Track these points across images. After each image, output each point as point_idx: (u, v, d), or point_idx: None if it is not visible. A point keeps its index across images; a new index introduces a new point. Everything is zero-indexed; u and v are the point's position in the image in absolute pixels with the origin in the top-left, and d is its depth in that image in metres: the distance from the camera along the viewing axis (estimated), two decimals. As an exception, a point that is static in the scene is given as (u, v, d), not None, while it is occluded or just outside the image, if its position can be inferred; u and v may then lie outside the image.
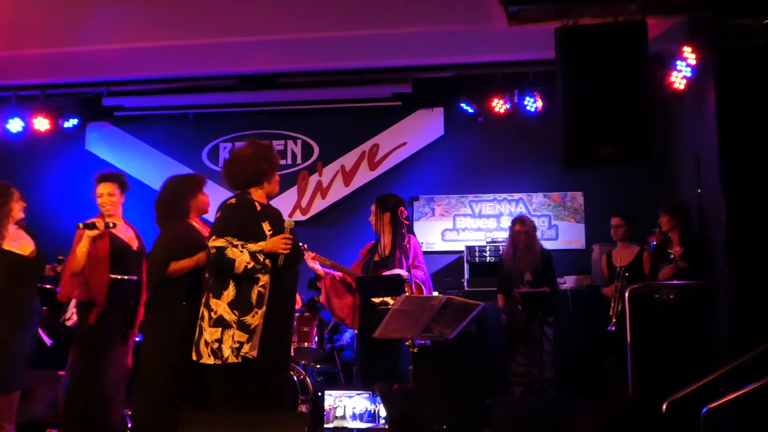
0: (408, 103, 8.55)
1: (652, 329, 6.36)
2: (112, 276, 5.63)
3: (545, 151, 7.95)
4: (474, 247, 8.04)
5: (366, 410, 5.74)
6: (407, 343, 5.63)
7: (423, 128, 8.71)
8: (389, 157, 8.70)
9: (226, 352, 4.74)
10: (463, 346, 6.90)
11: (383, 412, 5.56)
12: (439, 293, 6.51)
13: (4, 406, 5.60)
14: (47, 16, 6.74)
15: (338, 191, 8.76)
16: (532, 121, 8.13)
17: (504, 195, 8.54)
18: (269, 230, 4.90)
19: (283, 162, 8.58)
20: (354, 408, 5.74)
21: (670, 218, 6.54)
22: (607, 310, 6.79)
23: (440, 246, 8.53)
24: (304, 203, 8.73)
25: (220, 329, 4.78)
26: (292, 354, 6.43)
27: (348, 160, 8.77)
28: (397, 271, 6.32)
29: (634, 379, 5.73)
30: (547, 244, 7.73)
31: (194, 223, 5.54)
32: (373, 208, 6.61)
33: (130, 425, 6.07)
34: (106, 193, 5.84)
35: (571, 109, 5.65)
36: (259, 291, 4.80)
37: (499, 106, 8.09)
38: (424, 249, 7.30)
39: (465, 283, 7.94)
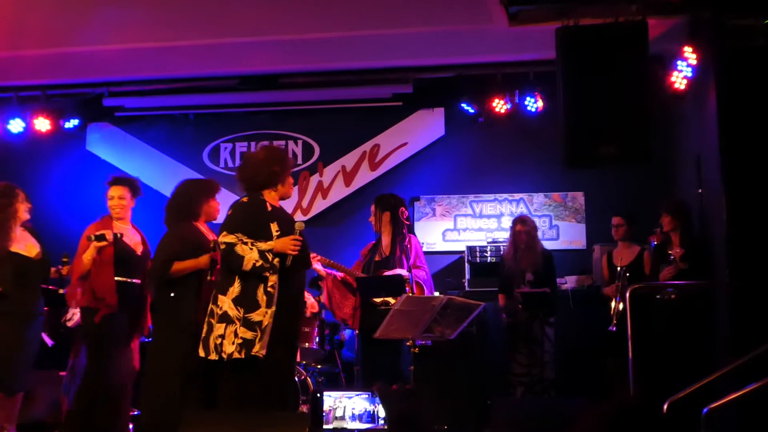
0: (409, 104, 8.55)
1: (653, 329, 6.36)
2: (117, 279, 5.65)
3: (546, 151, 7.94)
4: (475, 247, 8.04)
5: (365, 411, 5.73)
6: (408, 344, 5.64)
7: (424, 128, 8.71)
8: (390, 157, 8.70)
9: (228, 348, 4.78)
10: (464, 347, 6.89)
11: (382, 413, 5.56)
12: (440, 293, 6.51)
13: (7, 407, 5.62)
14: (48, 16, 6.74)
15: (339, 191, 8.76)
16: (532, 121, 8.13)
17: (505, 195, 8.54)
18: (277, 231, 4.95)
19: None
20: (353, 409, 5.74)
21: (672, 218, 6.54)
22: (608, 310, 6.79)
23: (441, 246, 8.52)
24: (304, 203, 8.73)
25: (224, 325, 4.84)
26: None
27: (349, 160, 8.76)
28: (398, 271, 6.32)
29: (635, 380, 5.74)
30: (548, 244, 7.73)
31: (201, 227, 5.58)
32: (372, 208, 6.62)
33: (131, 426, 6.08)
34: (116, 196, 5.89)
35: (571, 109, 5.65)
36: (268, 291, 4.85)
37: (500, 106, 8.09)
38: (424, 249, 7.31)
39: (466, 284, 7.94)
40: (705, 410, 4.61)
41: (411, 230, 6.65)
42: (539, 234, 7.45)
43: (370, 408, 5.72)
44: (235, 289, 4.87)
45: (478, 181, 8.59)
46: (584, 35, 5.65)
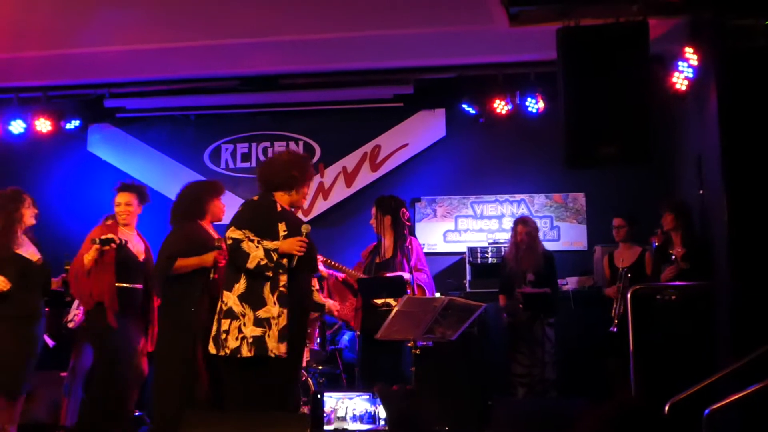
0: (409, 104, 8.55)
1: (654, 330, 6.36)
2: (118, 284, 5.68)
3: (547, 152, 7.94)
4: (476, 248, 8.03)
5: (366, 412, 5.73)
6: (409, 345, 5.63)
7: (424, 129, 8.70)
8: (391, 158, 8.69)
9: (232, 343, 4.81)
10: (465, 347, 6.90)
11: (383, 414, 5.56)
12: (441, 294, 6.51)
13: (8, 410, 5.63)
14: (49, 17, 6.74)
15: (340, 192, 8.76)
16: (533, 122, 8.12)
17: (506, 196, 8.54)
18: (284, 231, 4.99)
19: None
20: (354, 410, 5.74)
21: (674, 217, 6.54)
22: (609, 311, 6.78)
23: (442, 247, 8.52)
24: (305, 204, 8.72)
25: (228, 320, 4.88)
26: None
27: (350, 161, 8.76)
28: (399, 272, 6.32)
29: (636, 380, 5.74)
30: (549, 245, 7.73)
31: (206, 227, 5.62)
32: (373, 210, 6.62)
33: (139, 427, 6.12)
34: (124, 202, 5.95)
35: (572, 109, 5.64)
36: (281, 290, 4.88)
37: (501, 107, 8.09)
38: (425, 250, 7.31)
39: (467, 285, 7.94)
40: (706, 411, 4.61)
41: (412, 231, 6.65)
42: (540, 235, 7.45)
43: (371, 409, 5.72)
44: (241, 286, 4.92)
45: (479, 182, 8.58)
46: (585, 36, 5.65)
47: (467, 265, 8.00)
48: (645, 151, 5.57)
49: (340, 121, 8.79)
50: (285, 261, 4.90)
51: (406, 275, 6.23)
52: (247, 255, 4.86)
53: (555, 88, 5.91)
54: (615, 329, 6.57)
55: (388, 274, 6.36)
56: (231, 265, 5.02)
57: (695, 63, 6.65)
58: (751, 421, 5.30)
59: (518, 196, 8.51)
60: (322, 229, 8.46)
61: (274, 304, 4.85)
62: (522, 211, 8.40)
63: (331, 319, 7.18)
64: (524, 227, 7.19)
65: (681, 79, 6.84)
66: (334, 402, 5.72)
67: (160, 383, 5.42)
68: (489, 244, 8.11)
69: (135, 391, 5.83)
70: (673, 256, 6.46)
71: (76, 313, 6.54)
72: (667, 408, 4.82)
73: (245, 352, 4.80)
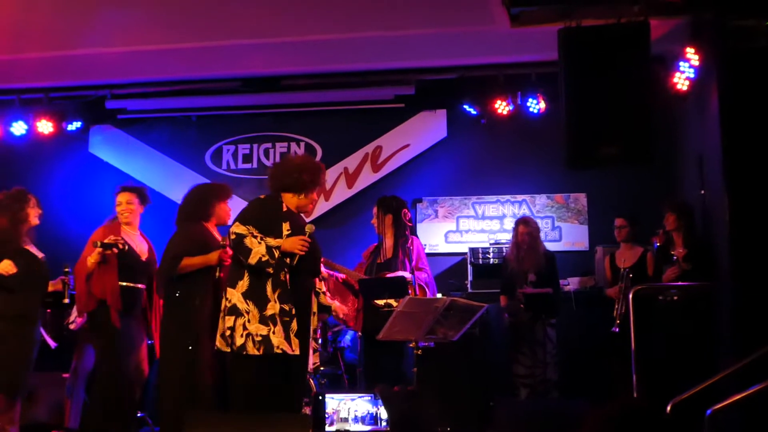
0: (411, 105, 8.55)
1: (656, 330, 6.36)
2: (121, 284, 5.70)
3: (548, 153, 7.94)
4: (477, 248, 8.03)
5: (368, 413, 5.74)
6: (411, 345, 5.64)
7: (426, 130, 8.70)
8: (392, 158, 8.69)
9: (238, 340, 4.84)
10: (467, 348, 6.90)
11: (385, 415, 5.56)
12: (442, 295, 6.51)
13: (8, 411, 5.63)
14: (50, 19, 6.74)
15: (341, 193, 8.76)
16: (534, 122, 8.12)
17: (507, 196, 8.54)
18: (288, 230, 5.02)
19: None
20: (356, 411, 5.74)
21: (676, 217, 6.54)
22: (611, 312, 6.78)
23: (443, 248, 8.52)
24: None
25: (233, 317, 4.90)
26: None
27: (351, 162, 8.76)
28: (400, 273, 6.32)
29: (638, 381, 5.74)
30: (551, 246, 7.73)
31: (211, 229, 5.65)
32: (375, 210, 6.63)
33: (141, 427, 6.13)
34: (125, 201, 5.97)
35: (574, 110, 5.64)
36: (282, 289, 4.92)
37: (502, 107, 8.09)
38: (427, 251, 7.31)
39: (468, 285, 7.94)
40: (708, 411, 4.60)
41: (413, 232, 6.65)
42: (542, 235, 7.45)
43: (373, 410, 5.73)
44: (245, 282, 4.95)
45: (481, 182, 8.58)
46: (586, 36, 5.65)
47: (469, 266, 8.00)
48: (646, 152, 5.57)
49: (341, 122, 8.79)
50: (288, 260, 4.92)
51: (408, 275, 6.24)
52: (249, 250, 4.89)
53: (556, 88, 5.91)
54: (617, 330, 6.58)
55: (390, 275, 6.36)
56: (235, 262, 5.07)
57: (696, 63, 6.65)
58: (753, 422, 5.29)
59: (520, 197, 8.51)
60: (324, 230, 8.43)
61: (276, 301, 4.88)
62: (523, 211, 8.40)
63: (332, 320, 7.18)
64: (526, 227, 7.20)
65: (682, 79, 6.84)
66: (336, 403, 5.72)
67: (163, 383, 5.44)
68: (490, 244, 8.11)
69: (137, 391, 5.83)
70: (675, 257, 6.46)
71: (77, 315, 6.54)
72: (669, 408, 4.81)
73: (251, 349, 4.83)
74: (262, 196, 5.24)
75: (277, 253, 4.90)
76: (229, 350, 4.90)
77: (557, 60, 5.76)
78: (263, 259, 4.88)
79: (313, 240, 5.06)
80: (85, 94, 8.58)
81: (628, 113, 5.53)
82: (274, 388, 4.89)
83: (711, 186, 6.47)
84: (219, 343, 4.98)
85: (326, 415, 5.70)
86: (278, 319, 4.86)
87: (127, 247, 5.79)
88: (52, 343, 6.41)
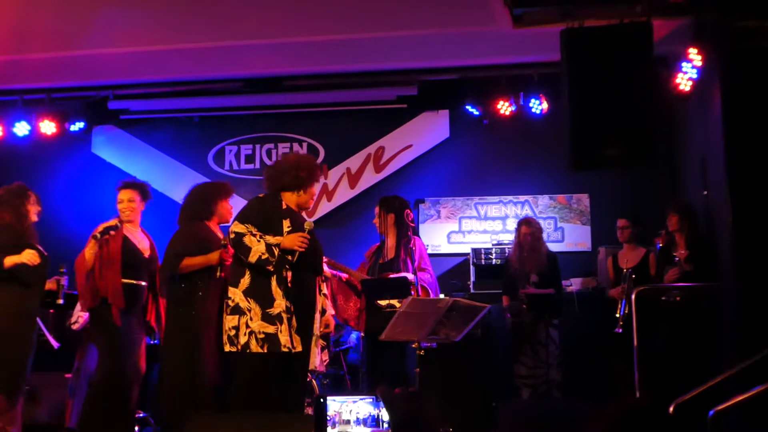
0: (413, 106, 8.55)
1: (659, 331, 6.36)
2: (124, 281, 5.68)
3: (550, 153, 7.94)
4: (480, 249, 8.03)
5: (369, 415, 5.73)
6: (413, 346, 5.63)
7: (428, 130, 8.70)
8: (395, 159, 8.70)
9: (242, 339, 4.84)
10: (469, 349, 6.89)
11: (387, 417, 5.56)
12: (445, 296, 6.51)
13: (9, 410, 5.63)
14: (53, 20, 6.75)
15: (344, 194, 8.76)
16: (537, 123, 8.12)
17: (510, 197, 8.53)
18: (288, 227, 5.03)
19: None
20: (358, 413, 5.74)
21: (679, 218, 6.53)
22: (613, 312, 6.77)
23: (446, 248, 8.52)
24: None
25: (237, 317, 4.91)
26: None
27: (353, 162, 8.77)
28: (403, 273, 6.32)
29: (641, 382, 5.73)
30: (553, 246, 7.72)
31: (213, 227, 5.65)
32: (377, 210, 6.62)
33: (137, 427, 6.11)
34: (126, 199, 5.94)
35: (577, 111, 5.64)
36: (286, 286, 4.94)
37: (505, 108, 8.08)
38: (429, 251, 7.30)
39: (471, 286, 7.94)
40: (711, 412, 4.60)
41: (416, 232, 6.65)
42: (544, 236, 7.45)
43: (375, 412, 5.72)
44: (246, 281, 4.96)
45: (483, 183, 8.58)
46: (589, 37, 5.64)
47: (471, 267, 8.00)
48: (649, 153, 5.57)
49: (343, 123, 8.79)
50: (289, 257, 4.93)
51: (410, 276, 6.24)
52: (249, 249, 4.90)
53: (558, 89, 5.92)
54: (619, 330, 6.56)
55: (392, 275, 6.36)
56: (236, 260, 5.07)
57: (699, 64, 6.64)
58: (756, 423, 5.29)
59: (522, 197, 8.51)
60: (326, 230, 8.46)
61: (283, 299, 4.90)
62: (526, 212, 8.39)
63: (335, 320, 7.17)
64: (528, 228, 7.20)
65: (685, 80, 6.84)
66: (338, 405, 5.71)
67: (165, 383, 5.44)
68: (493, 245, 8.11)
69: (135, 388, 5.82)
70: (677, 258, 6.45)
71: (80, 315, 6.54)
72: (671, 409, 4.81)
73: (255, 347, 4.84)
74: (261, 195, 5.25)
75: (276, 251, 4.91)
76: (235, 349, 4.91)
77: (560, 61, 5.76)
78: (263, 257, 4.89)
79: (313, 236, 5.06)
80: (88, 94, 8.59)
81: (631, 114, 5.53)
82: (276, 385, 4.89)
83: (714, 187, 6.47)
84: (224, 342, 4.98)
85: (328, 418, 5.69)
86: (285, 317, 4.88)
87: (121, 225, 5.75)
88: (54, 343, 6.41)
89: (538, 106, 7.98)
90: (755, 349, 5.03)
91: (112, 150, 9.10)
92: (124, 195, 5.95)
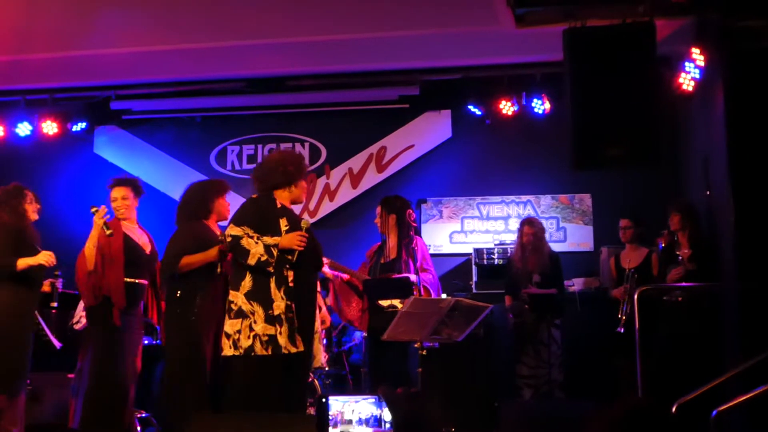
0: (415, 106, 8.55)
1: (661, 331, 6.35)
2: (125, 280, 5.67)
3: (553, 153, 7.94)
4: (482, 249, 8.03)
5: (372, 415, 5.73)
6: (416, 346, 5.63)
7: (430, 130, 8.70)
8: (397, 159, 8.70)
9: (245, 342, 4.83)
10: (471, 349, 6.89)
11: (389, 417, 5.56)
12: (447, 296, 6.50)
13: (11, 410, 5.62)
14: (55, 20, 6.75)
15: (346, 194, 8.76)
16: (539, 123, 8.12)
17: (512, 197, 8.53)
18: (286, 226, 5.02)
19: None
20: (360, 413, 5.74)
21: (681, 217, 6.53)
22: (616, 312, 6.77)
23: (448, 248, 8.51)
24: (311, 206, 8.73)
25: (239, 320, 4.90)
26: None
27: (355, 162, 8.77)
28: (405, 273, 6.31)
29: (643, 382, 5.73)
30: (556, 246, 7.72)
31: (212, 226, 5.64)
32: (378, 209, 6.62)
33: (139, 427, 6.11)
34: (120, 197, 5.90)
35: (579, 111, 5.64)
36: (287, 286, 4.92)
37: (507, 108, 8.08)
38: (431, 251, 7.30)
39: (473, 286, 7.94)
40: (714, 412, 4.60)
41: (418, 232, 6.64)
42: (546, 236, 7.45)
43: (377, 412, 5.72)
44: (247, 284, 4.95)
45: (485, 183, 8.58)
46: (592, 37, 5.64)
47: (473, 267, 8.00)
48: (652, 152, 5.56)
49: (346, 123, 8.80)
50: (289, 257, 4.91)
51: (413, 277, 6.23)
52: (247, 251, 4.89)
53: (561, 89, 5.92)
54: (622, 330, 6.56)
55: (394, 276, 6.35)
56: (235, 263, 5.05)
57: (702, 64, 6.64)
58: (758, 423, 5.29)
59: (524, 197, 8.51)
60: (328, 230, 8.47)
61: (282, 299, 4.88)
62: (528, 212, 8.39)
63: (336, 320, 7.18)
64: (530, 228, 7.20)
65: (687, 79, 6.84)
66: (340, 405, 5.71)
67: (167, 383, 5.43)
68: (495, 245, 8.11)
69: (132, 388, 5.81)
70: (680, 257, 6.44)
71: (82, 315, 6.53)
72: (674, 409, 4.81)
73: (260, 350, 4.83)
74: (254, 196, 5.21)
75: (275, 252, 4.90)
76: (237, 353, 4.87)
77: (562, 60, 5.75)
78: (262, 258, 4.87)
79: (311, 234, 5.05)
80: (90, 94, 8.59)
81: (634, 114, 5.53)
82: (279, 386, 4.89)
83: (716, 187, 6.46)
84: (225, 346, 4.94)
85: (330, 417, 5.69)
86: (284, 318, 4.87)
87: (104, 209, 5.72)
88: (57, 344, 6.40)
89: (541, 106, 7.98)
90: (758, 349, 5.02)
91: (115, 150, 9.10)
92: (117, 193, 5.92)
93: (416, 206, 6.71)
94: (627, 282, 6.77)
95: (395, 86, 8.36)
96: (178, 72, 8.17)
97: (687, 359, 6.12)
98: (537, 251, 7.15)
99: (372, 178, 8.71)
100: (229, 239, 4.96)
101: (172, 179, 8.68)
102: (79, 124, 8.74)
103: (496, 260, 7.89)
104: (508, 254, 7.64)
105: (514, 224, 8.08)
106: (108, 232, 5.56)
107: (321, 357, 5.21)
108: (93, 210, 5.64)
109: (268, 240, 4.92)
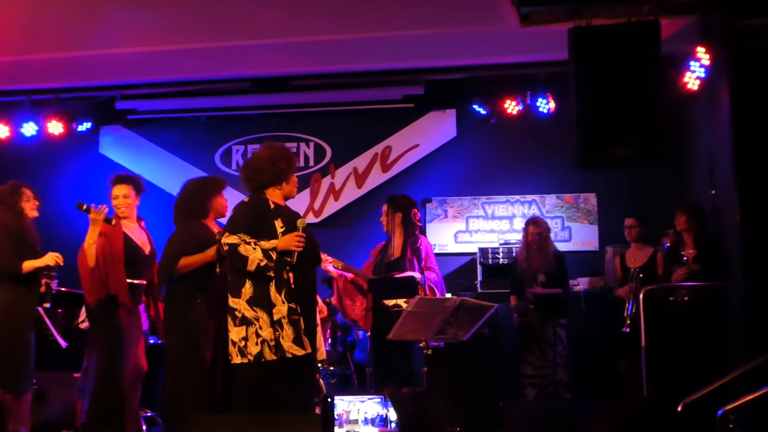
0: (420, 105, 8.55)
1: (667, 331, 6.34)
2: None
3: (558, 153, 7.93)
4: (487, 248, 8.02)
5: (377, 415, 5.73)
6: (421, 345, 5.63)
7: (435, 130, 8.70)
8: (402, 158, 8.70)
9: (253, 349, 4.80)
10: (476, 348, 6.88)
11: (394, 416, 5.56)
12: (452, 295, 6.50)
13: (16, 409, 5.63)
14: (60, 20, 6.76)
15: (351, 193, 8.76)
16: (544, 122, 8.11)
17: (517, 196, 8.52)
18: (282, 227, 4.96)
19: (295, 164, 8.60)
20: (366, 413, 5.73)
21: (687, 217, 6.51)
22: (621, 312, 6.77)
23: (453, 248, 8.51)
24: (316, 205, 8.74)
25: (244, 327, 4.85)
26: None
27: (360, 162, 8.77)
28: (410, 273, 6.31)
29: (649, 381, 5.72)
30: (561, 246, 7.71)
31: (210, 225, 5.60)
32: (384, 208, 6.62)
33: (144, 426, 6.12)
34: (121, 195, 5.88)
35: (584, 110, 5.64)
36: (287, 289, 4.88)
37: (512, 107, 8.09)
38: (436, 251, 7.30)
39: (478, 285, 7.93)
40: (720, 412, 4.59)
41: (422, 232, 6.64)
42: (551, 235, 7.44)
43: (383, 412, 5.71)
44: (248, 290, 4.89)
45: (490, 182, 8.58)
46: (596, 36, 5.64)
47: (478, 266, 8.00)
48: (657, 152, 5.56)
49: (350, 122, 8.80)
50: (288, 259, 4.89)
51: (417, 276, 6.23)
52: (246, 258, 4.82)
53: (566, 88, 5.91)
54: (627, 330, 6.56)
55: (399, 275, 6.35)
56: (234, 270, 4.98)
57: (707, 63, 6.63)
58: (764, 422, 5.28)
59: (529, 197, 8.50)
60: (333, 229, 8.48)
61: (283, 302, 4.85)
62: (533, 211, 8.39)
63: (342, 320, 7.18)
64: (535, 228, 7.19)
65: (693, 78, 6.83)
66: (346, 404, 5.71)
67: (169, 383, 5.42)
68: (500, 244, 8.10)
69: (138, 387, 5.81)
70: (685, 257, 6.43)
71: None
72: (679, 408, 4.80)
73: (269, 355, 4.79)
74: (246, 200, 5.11)
75: (274, 255, 4.85)
76: (246, 360, 4.83)
77: (567, 60, 5.76)
78: (261, 264, 4.82)
79: (309, 233, 5.00)
80: (95, 94, 8.61)
81: (639, 113, 5.52)
82: (289, 390, 4.87)
83: (722, 186, 6.46)
84: (233, 354, 4.89)
85: (336, 417, 5.69)
86: (285, 322, 4.83)
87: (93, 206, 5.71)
88: (63, 343, 6.42)
89: (546, 105, 7.97)
90: (763, 348, 5.01)
91: (120, 150, 9.12)
92: (118, 191, 5.88)
93: (421, 206, 6.73)
94: (632, 281, 6.77)
95: (400, 86, 8.36)
96: (183, 72, 8.18)
97: (692, 359, 6.11)
98: (542, 251, 7.13)
99: (377, 178, 8.71)
100: (225, 248, 4.89)
101: (177, 179, 8.59)
102: (85, 124, 8.77)
103: (501, 260, 7.89)
104: (513, 254, 7.63)
105: (519, 224, 8.07)
106: (113, 223, 5.56)
107: (323, 349, 5.18)
108: (84, 208, 5.60)
109: (266, 244, 4.86)
